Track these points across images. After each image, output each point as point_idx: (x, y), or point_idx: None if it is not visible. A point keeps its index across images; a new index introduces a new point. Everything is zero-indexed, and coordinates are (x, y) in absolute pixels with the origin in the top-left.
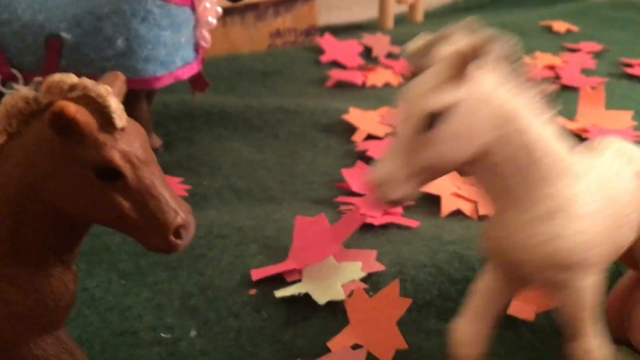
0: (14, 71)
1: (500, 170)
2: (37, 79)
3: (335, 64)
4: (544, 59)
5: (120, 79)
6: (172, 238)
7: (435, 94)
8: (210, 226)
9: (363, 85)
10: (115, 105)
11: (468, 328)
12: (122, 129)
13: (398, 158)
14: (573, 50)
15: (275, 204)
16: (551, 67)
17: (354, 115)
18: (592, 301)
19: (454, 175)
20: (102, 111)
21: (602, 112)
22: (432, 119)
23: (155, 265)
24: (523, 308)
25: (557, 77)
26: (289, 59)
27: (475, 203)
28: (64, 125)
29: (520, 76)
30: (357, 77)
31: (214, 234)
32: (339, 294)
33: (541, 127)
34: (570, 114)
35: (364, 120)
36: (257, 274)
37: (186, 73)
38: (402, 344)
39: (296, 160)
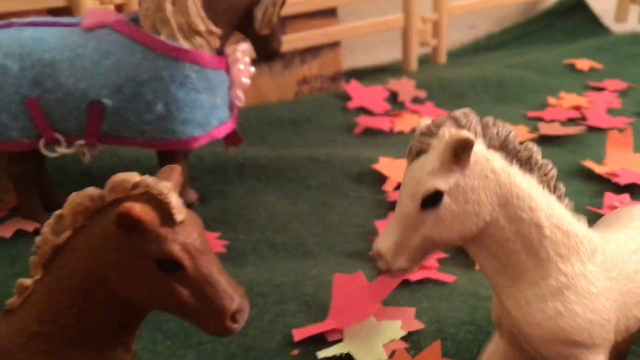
0: (57, 135)
1: (510, 245)
2: (80, 142)
3: (363, 110)
4: (569, 99)
5: (177, 171)
6: (229, 323)
7: (437, 175)
8: (250, 284)
9: (391, 131)
10: (175, 201)
11: None
12: (182, 222)
13: (399, 233)
14: (598, 89)
15: (311, 259)
16: (577, 108)
17: (384, 165)
18: None
19: None
20: (163, 207)
21: (630, 155)
22: (434, 198)
23: None
24: None
25: (583, 119)
26: (316, 107)
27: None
28: (130, 223)
29: (525, 157)
30: (384, 124)
31: (254, 292)
32: (380, 355)
33: (552, 205)
34: (597, 157)
35: (394, 169)
36: (298, 334)
37: (222, 132)
38: None
39: (329, 211)
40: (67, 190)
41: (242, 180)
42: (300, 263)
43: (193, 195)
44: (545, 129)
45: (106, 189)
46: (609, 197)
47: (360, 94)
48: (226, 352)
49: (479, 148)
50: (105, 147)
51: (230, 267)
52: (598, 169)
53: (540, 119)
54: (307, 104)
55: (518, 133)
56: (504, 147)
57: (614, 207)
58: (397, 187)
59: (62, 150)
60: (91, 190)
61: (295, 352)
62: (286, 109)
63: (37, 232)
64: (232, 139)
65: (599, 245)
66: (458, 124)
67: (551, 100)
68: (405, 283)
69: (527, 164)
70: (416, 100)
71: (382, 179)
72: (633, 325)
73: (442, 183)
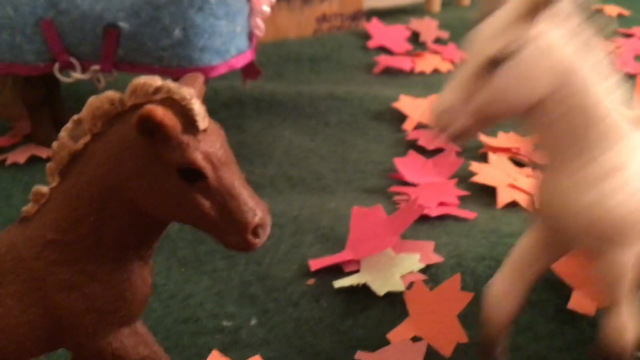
0: (72, 59)
1: (555, 128)
2: (95, 67)
3: (383, 50)
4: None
5: (199, 80)
6: (250, 237)
7: (500, 38)
8: None
9: (411, 72)
10: (198, 108)
11: (503, 286)
12: (204, 131)
13: (458, 92)
14: (626, 35)
15: (329, 193)
16: None
17: (404, 103)
18: (627, 277)
19: (509, 166)
20: (185, 113)
21: None
22: (494, 63)
23: (213, 253)
24: (584, 303)
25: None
26: (336, 45)
27: (532, 195)
28: (151, 128)
29: (589, 35)
30: (405, 63)
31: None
32: (398, 286)
33: (602, 91)
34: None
35: (414, 108)
36: (315, 264)
37: (240, 62)
38: (463, 337)
39: (348, 148)
40: None
41: (259, 114)
42: (317, 197)
43: None
44: None
45: (126, 92)
46: None
47: (381, 33)
48: (241, 280)
49: (546, 16)
50: (120, 74)
51: None
52: (627, 113)
53: None
54: (326, 41)
55: None
56: (565, 22)
57: None
58: (417, 126)
59: (76, 75)
60: (111, 94)
61: (312, 281)
62: (305, 46)
63: (50, 158)
64: (250, 70)
65: None
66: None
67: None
68: (425, 218)
69: (587, 43)
70: (438, 40)
71: (401, 117)
72: None
73: (503, 50)
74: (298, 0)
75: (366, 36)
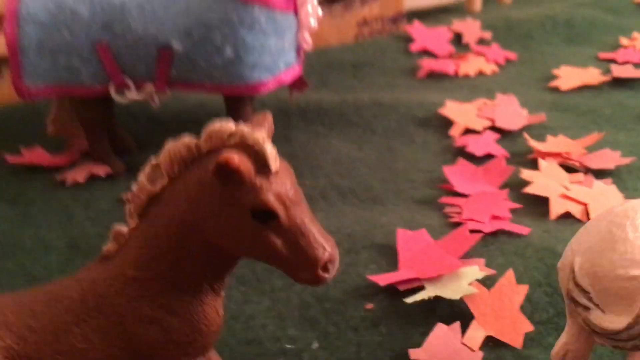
0: (127, 79)
1: None
2: (149, 87)
3: (425, 53)
4: None
5: (269, 120)
6: (321, 272)
7: None
8: None
9: (455, 75)
10: (270, 151)
11: None
12: (276, 172)
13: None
14: None
15: (380, 205)
16: None
17: (450, 109)
18: None
19: (560, 173)
20: (258, 156)
21: None
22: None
23: (271, 271)
24: None
25: None
26: (378, 49)
27: (585, 205)
28: (228, 173)
29: None
30: (449, 67)
31: None
32: (470, 290)
33: None
34: None
35: (461, 113)
36: (382, 280)
37: (289, 76)
38: (529, 327)
39: (395, 156)
40: (134, 134)
41: (305, 125)
42: (369, 210)
43: None
44: (618, 71)
45: (202, 138)
46: None
47: (423, 35)
48: (300, 301)
49: None
50: (173, 92)
51: None
52: None
53: (613, 61)
54: (368, 46)
55: (589, 75)
56: None
57: None
58: (464, 132)
59: (131, 95)
60: (188, 140)
61: (370, 305)
62: (347, 52)
63: (109, 176)
64: (297, 83)
65: None
66: None
67: (623, 40)
68: (477, 233)
69: None
70: (481, 41)
71: (448, 123)
72: None
73: None
74: (339, 6)
75: (408, 39)
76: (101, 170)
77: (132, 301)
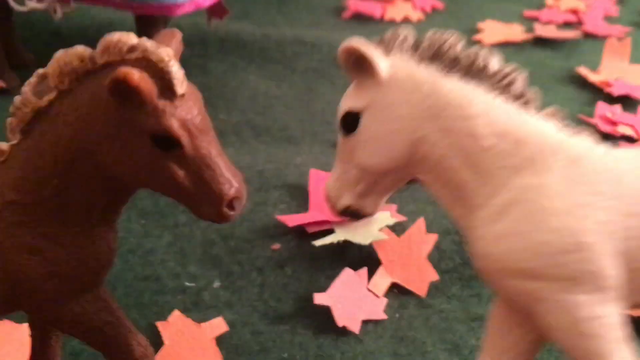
0: None
1: (448, 163)
2: None
3: None
4: (567, 1)
5: (177, 38)
6: (225, 209)
7: (349, 95)
8: None
9: (381, 19)
10: (177, 71)
11: None
12: (182, 95)
13: (337, 168)
14: None
15: (294, 145)
16: (574, 12)
17: None
18: (597, 332)
19: None
20: (162, 76)
21: (626, 65)
22: (351, 121)
23: (175, 206)
24: None
25: (580, 23)
26: None
27: None
28: (125, 91)
29: (466, 64)
30: (375, 10)
31: None
32: (380, 235)
33: (498, 111)
34: (592, 64)
35: None
36: (290, 221)
37: (208, 1)
38: (435, 276)
39: (314, 97)
40: (34, 49)
41: (223, 56)
42: (283, 149)
43: None
44: (541, 30)
45: (98, 49)
46: (601, 107)
47: None
48: (204, 238)
49: (397, 62)
50: (79, 6)
51: None
52: (592, 76)
53: (536, 20)
54: None
55: (513, 32)
56: (437, 58)
57: (605, 118)
58: None
59: (32, 4)
60: (81, 50)
61: (276, 246)
62: None
63: (2, 90)
64: (216, 9)
65: (581, 154)
66: (382, 43)
67: (548, 0)
68: None
69: (470, 71)
70: None
71: None
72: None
73: (352, 102)
74: None
75: None
76: None
77: (10, 227)
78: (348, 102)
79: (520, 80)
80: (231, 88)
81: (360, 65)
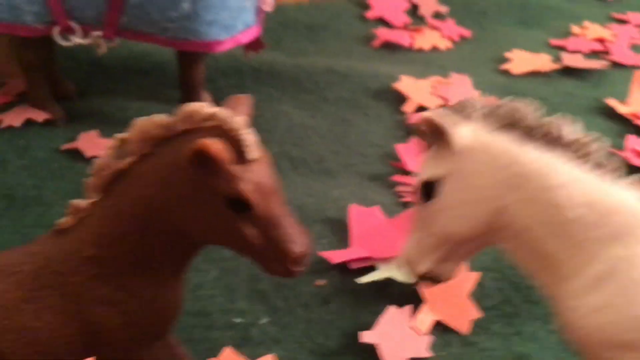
0: (73, 24)
1: (533, 234)
2: (96, 33)
3: (381, 21)
4: (593, 30)
5: (247, 103)
6: (293, 266)
7: (429, 164)
8: None
9: (410, 47)
10: (250, 139)
11: None
12: (254, 160)
13: (416, 234)
14: (621, 22)
15: (331, 178)
16: (600, 40)
17: (405, 84)
18: None
19: None
20: (236, 143)
21: None
22: (430, 189)
23: None
24: None
25: (607, 53)
26: (334, 13)
27: None
28: (203, 160)
29: (543, 133)
30: (404, 38)
31: None
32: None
33: (581, 181)
34: (620, 95)
35: (415, 89)
36: (334, 257)
37: (247, 37)
38: (477, 314)
39: (348, 128)
40: (76, 79)
41: (258, 86)
42: (320, 182)
43: (207, 97)
44: (569, 60)
45: (177, 118)
46: (632, 140)
47: (379, 3)
48: (249, 273)
49: (474, 131)
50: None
51: None
52: (621, 108)
53: (563, 49)
54: (323, 9)
55: (541, 61)
56: (513, 125)
57: (636, 151)
58: (418, 109)
59: (77, 40)
60: (160, 118)
61: (321, 282)
62: (302, 13)
63: (47, 122)
64: (254, 44)
65: None
66: (458, 111)
67: (575, 29)
68: None
69: (548, 140)
70: (437, 15)
71: (401, 98)
72: None
73: (432, 171)
74: None
75: (364, 5)
76: (39, 115)
77: (88, 280)
78: (427, 170)
79: (599, 149)
80: (267, 119)
81: (439, 135)
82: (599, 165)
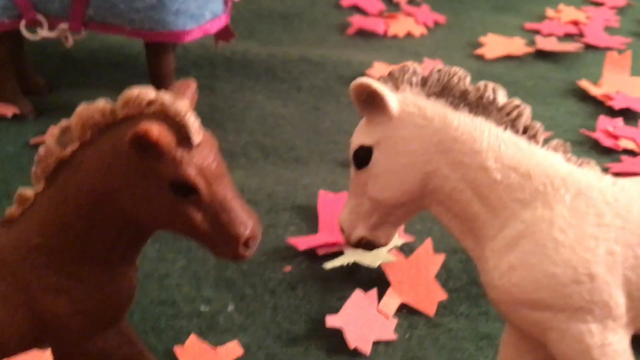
0: (39, 16)
1: (460, 196)
2: (63, 26)
3: (356, 9)
4: (568, 13)
5: (192, 88)
6: (241, 249)
7: (361, 131)
8: (242, 190)
9: (384, 35)
10: (193, 123)
11: None
12: (198, 144)
13: (351, 200)
14: (596, 4)
15: (302, 165)
16: (575, 23)
17: (378, 70)
18: (608, 358)
19: None
20: (179, 128)
21: (627, 78)
22: (363, 156)
23: None
24: None
25: (581, 35)
26: (309, 1)
27: None
28: (146, 145)
29: (474, 98)
30: (378, 26)
31: (246, 200)
32: (388, 258)
33: (507, 145)
34: (593, 77)
35: None
36: (301, 244)
37: (215, 26)
38: (443, 295)
39: (320, 116)
40: (46, 73)
41: (230, 76)
42: (291, 170)
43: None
44: (542, 43)
45: (118, 103)
46: (603, 121)
47: None
48: (217, 261)
49: (407, 97)
50: (89, 33)
51: None
52: (593, 90)
53: (537, 32)
54: None
55: (514, 45)
56: (446, 92)
57: (607, 132)
58: None
59: (43, 33)
60: (102, 104)
61: (288, 268)
62: (277, 2)
63: (16, 116)
64: (223, 33)
65: (589, 185)
66: (393, 78)
67: (549, 12)
68: None
69: (478, 105)
70: (412, 1)
71: None
72: None
73: (364, 137)
74: None
75: None
76: (8, 110)
77: (37, 268)
78: (360, 137)
79: (526, 113)
80: (239, 109)
81: (372, 101)
82: (527, 129)
